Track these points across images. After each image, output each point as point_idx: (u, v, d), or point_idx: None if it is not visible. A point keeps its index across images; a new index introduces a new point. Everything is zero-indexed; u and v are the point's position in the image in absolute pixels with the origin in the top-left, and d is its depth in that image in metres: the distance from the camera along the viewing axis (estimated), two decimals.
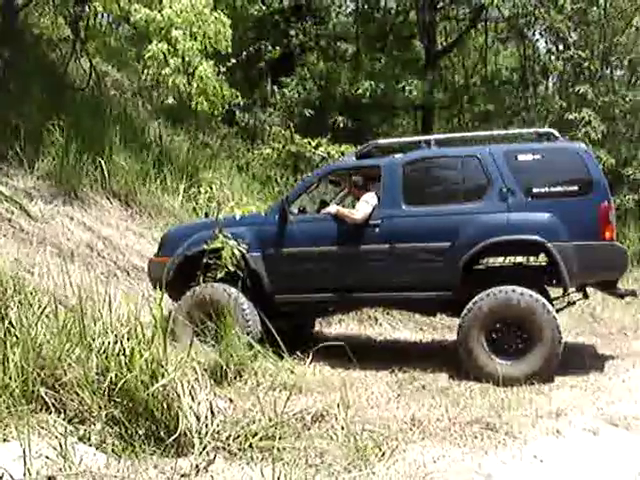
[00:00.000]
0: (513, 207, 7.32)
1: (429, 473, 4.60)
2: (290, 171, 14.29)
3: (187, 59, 12.12)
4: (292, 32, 16.90)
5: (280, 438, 4.89)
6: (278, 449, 4.76)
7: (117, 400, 4.90)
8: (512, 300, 7.01)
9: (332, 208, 8.04)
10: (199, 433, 4.77)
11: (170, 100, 13.65)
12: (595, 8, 17.10)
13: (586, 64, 16.77)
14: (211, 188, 8.30)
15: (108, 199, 10.47)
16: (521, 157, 7.51)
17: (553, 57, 17.87)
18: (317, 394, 5.94)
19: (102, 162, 10.58)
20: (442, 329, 10.02)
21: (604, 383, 6.94)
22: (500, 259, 8.41)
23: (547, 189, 7.31)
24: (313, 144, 14.35)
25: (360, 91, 16.51)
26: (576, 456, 5.03)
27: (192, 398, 4.92)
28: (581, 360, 7.83)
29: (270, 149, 14.58)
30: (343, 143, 14.41)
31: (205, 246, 7.55)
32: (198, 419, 4.83)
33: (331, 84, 17.32)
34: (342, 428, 5.18)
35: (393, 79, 17.05)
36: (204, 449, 4.68)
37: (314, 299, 7.91)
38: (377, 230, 7.63)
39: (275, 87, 16.49)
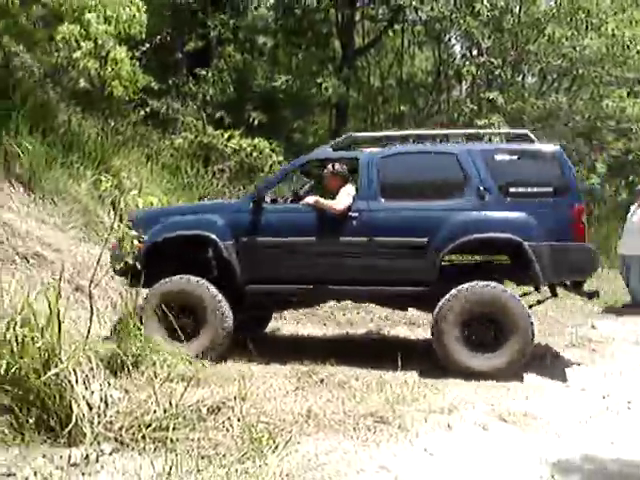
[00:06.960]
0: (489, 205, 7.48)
1: (321, 464, 4.69)
2: (201, 162, 14.16)
3: (100, 43, 11.88)
4: (210, 22, 16.73)
5: (174, 429, 4.89)
6: (171, 440, 4.77)
7: (8, 388, 4.81)
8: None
9: (311, 198, 7.89)
10: (91, 423, 4.73)
11: (82, 84, 13.32)
12: (509, 16, 17.52)
13: (498, 71, 17.23)
14: (114, 176, 8.11)
15: (10, 183, 10.12)
16: (498, 157, 7.66)
17: (467, 62, 18.19)
18: (215, 386, 5.91)
19: (6, 145, 10.26)
20: (345, 324, 10.14)
21: (499, 380, 7.04)
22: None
23: None
24: (225, 136, 14.30)
25: (276, 84, 16.52)
26: (465, 450, 5.20)
27: (85, 388, 4.87)
28: None
29: (182, 139, 14.43)
30: (256, 137, 14.45)
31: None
32: (91, 409, 4.79)
33: (247, 77, 17.25)
34: (238, 420, 5.23)
35: (310, 75, 17.12)
36: (95, 439, 4.65)
37: (288, 290, 7.81)
38: (354, 222, 7.59)
39: (191, 77, 16.31)
